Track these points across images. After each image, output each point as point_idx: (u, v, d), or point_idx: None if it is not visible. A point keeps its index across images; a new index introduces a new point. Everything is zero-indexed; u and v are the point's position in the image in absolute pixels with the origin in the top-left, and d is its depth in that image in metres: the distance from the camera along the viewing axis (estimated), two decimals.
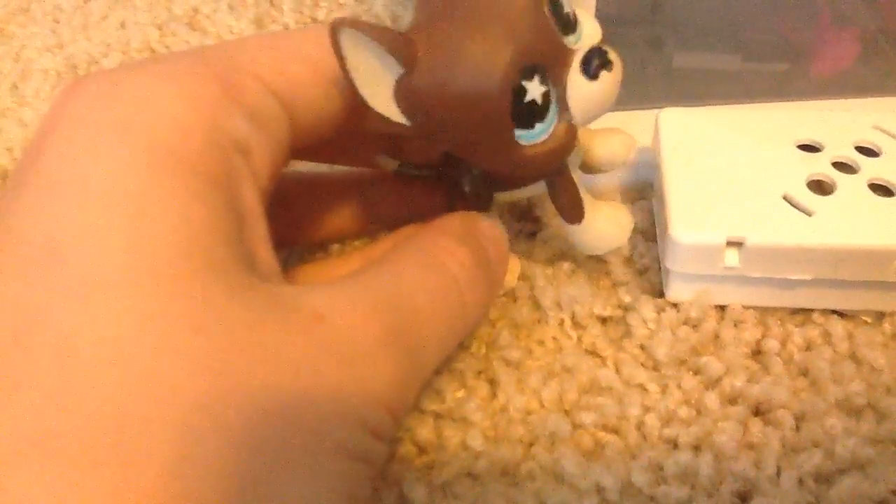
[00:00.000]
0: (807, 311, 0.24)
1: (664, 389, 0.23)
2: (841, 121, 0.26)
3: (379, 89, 0.18)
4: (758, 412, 0.22)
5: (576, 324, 0.25)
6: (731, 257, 0.23)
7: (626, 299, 0.25)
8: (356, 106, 0.19)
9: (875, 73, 0.31)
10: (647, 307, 0.24)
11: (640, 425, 0.22)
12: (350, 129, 0.22)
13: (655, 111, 0.27)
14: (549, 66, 0.18)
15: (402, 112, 0.18)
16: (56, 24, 0.39)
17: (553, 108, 0.19)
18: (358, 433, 0.16)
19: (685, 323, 0.24)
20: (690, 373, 0.23)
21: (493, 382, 0.23)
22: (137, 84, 0.17)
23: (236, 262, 0.16)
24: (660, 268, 0.25)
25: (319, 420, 0.15)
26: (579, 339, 0.24)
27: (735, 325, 0.24)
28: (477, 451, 0.21)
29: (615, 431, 0.22)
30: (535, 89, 0.18)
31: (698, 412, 0.22)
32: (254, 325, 0.15)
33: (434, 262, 0.19)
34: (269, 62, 0.18)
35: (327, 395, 0.15)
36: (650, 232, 0.27)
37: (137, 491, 0.13)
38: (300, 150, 0.24)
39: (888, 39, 0.32)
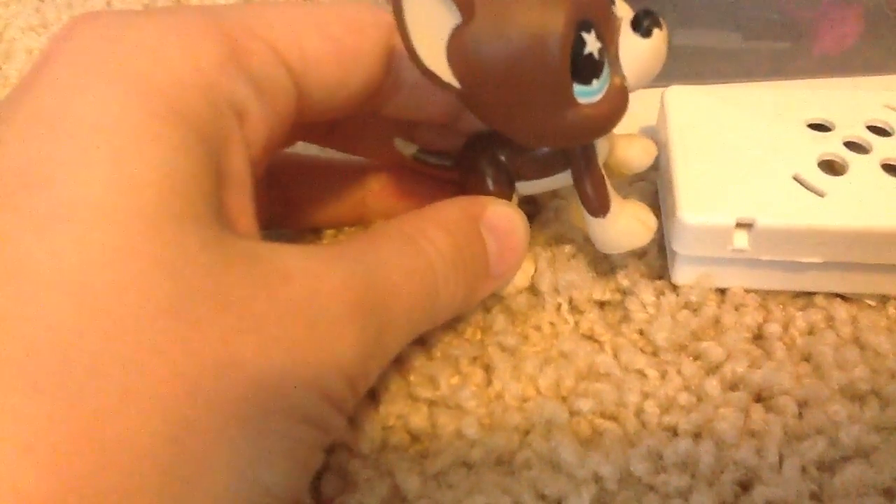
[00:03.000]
0: (809, 295, 0.24)
1: (663, 375, 0.22)
2: (852, 100, 0.25)
3: (433, 45, 0.17)
4: (759, 398, 0.22)
5: (573, 308, 0.24)
6: (741, 239, 0.22)
7: (625, 283, 0.24)
8: (375, 90, 0.18)
9: (879, 51, 0.31)
10: (647, 291, 0.24)
11: (638, 412, 0.21)
12: (367, 114, 0.21)
13: (657, 90, 0.26)
14: (600, 25, 0.18)
15: (453, 73, 0.18)
16: (40, 3, 0.38)
17: (607, 67, 0.18)
18: (314, 398, 0.16)
19: (685, 307, 0.24)
20: (690, 358, 0.22)
21: (488, 369, 0.23)
22: (143, 31, 0.16)
23: (213, 217, 0.16)
24: (659, 251, 0.25)
25: (275, 379, 0.15)
26: (577, 324, 0.24)
27: (736, 309, 0.23)
28: (472, 439, 0.21)
29: (613, 419, 0.21)
30: (592, 43, 0.18)
31: (698, 399, 0.21)
32: (221, 275, 0.15)
33: (412, 245, 0.19)
34: (287, 33, 0.18)
35: (286, 355, 0.15)
36: None
37: (74, 425, 0.13)
38: (311, 131, 0.23)
39: (892, 17, 0.31)
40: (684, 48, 0.31)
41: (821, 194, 0.22)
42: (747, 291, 0.24)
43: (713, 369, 0.22)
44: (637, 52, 0.18)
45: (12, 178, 0.14)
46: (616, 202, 0.22)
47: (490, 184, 0.22)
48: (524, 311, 0.24)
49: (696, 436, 0.21)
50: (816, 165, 0.23)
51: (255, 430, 0.15)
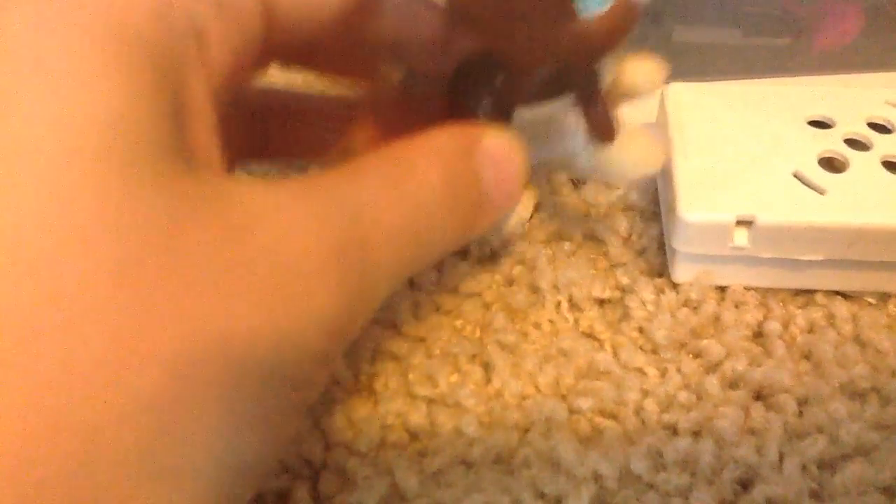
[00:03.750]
0: (809, 293, 0.24)
1: (663, 373, 0.22)
2: (852, 96, 0.25)
3: None
4: (759, 396, 0.22)
5: (573, 306, 0.24)
6: (741, 237, 0.22)
7: (625, 281, 0.24)
8: (354, 6, 0.17)
9: (879, 47, 0.31)
10: (646, 289, 0.24)
11: (638, 410, 0.21)
12: (350, 33, 0.19)
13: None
14: None
15: None
16: None
17: None
18: (291, 358, 0.14)
19: (685, 305, 0.23)
20: (690, 356, 0.22)
21: (487, 367, 0.22)
22: None
23: (170, 156, 0.14)
24: (659, 248, 0.25)
25: (245, 341, 0.14)
26: (576, 321, 0.24)
27: (736, 307, 0.23)
28: (471, 437, 0.21)
29: (613, 417, 0.21)
30: None
31: (698, 397, 0.21)
32: (178, 226, 0.13)
33: (398, 178, 0.17)
34: None
35: (256, 313, 0.14)
36: (648, 210, 0.26)
37: (9, 399, 0.12)
38: (288, 52, 0.21)
39: (893, 13, 0.31)
40: (684, 45, 0.31)
41: (821, 192, 0.22)
42: (747, 289, 0.24)
43: (713, 367, 0.22)
44: None
45: None
46: (621, 129, 0.21)
47: (484, 110, 0.20)
48: (524, 308, 0.24)
49: (696, 434, 0.21)
50: (817, 162, 0.23)
51: (225, 398, 0.13)
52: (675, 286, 0.24)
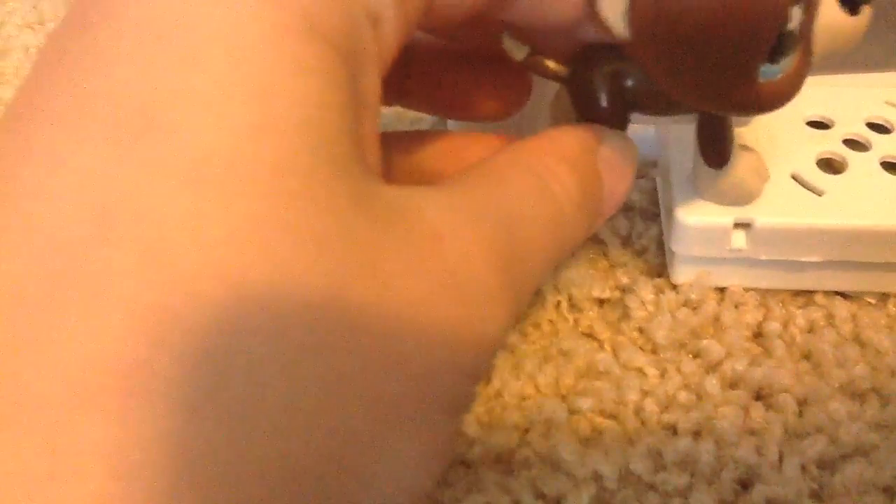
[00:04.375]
0: (809, 293, 0.24)
1: (663, 373, 0.22)
2: (851, 97, 0.25)
3: None
4: (759, 397, 0.22)
5: (573, 306, 0.24)
6: (739, 239, 0.22)
7: (625, 281, 0.24)
8: None
9: (879, 47, 0.30)
10: (646, 289, 0.24)
11: (638, 411, 0.21)
12: (485, 12, 0.18)
13: None
14: None
15: (629, 24, 0.15)
16: (38, 0, 0.38)
17: (798, 44, 0.16)
18: (465, 384, 0.14)
19: (685, 305, 0.23)
20: (690, 356, 0.22)
21: None
22: None
23: (358, 161, 0.13)
24: (659, 248, 0.25)
25: (430, 368, 0.13)
26: (576, 321, 0.24)
27: (736, 307, 0.23)
28: (470, 437, 0.21)
29: (613, 417, 0.21)
30: (796, 17, 0.15)
31: (698, 397, 0.21)
32: (375, 243, 0.13)
33: (543, 187, 0.17)
34: None
35: (441, 338, 0.13)
36: (649, 211, 0.26)
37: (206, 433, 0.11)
38: (429, 28, 0.19)
39: (892, 13, 0.31)
40: None
41: (819, 193, 0.22)
42: (747, 289, 0.24)
43: (713, 367, 0.22)
44: (838, 28, 0.16)
45: (129, 118, 0.12)
46: (734, 152, 0.20)
47: (605, 106, 0.19)
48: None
49: (696, 434, 0.21)
50: (815, 164, 0.23)
51: (413, 430, 0.13)
52: (674, 286, 0.24)
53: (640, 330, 0.23)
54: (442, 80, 0.22)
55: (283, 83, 0.12)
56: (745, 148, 0.21)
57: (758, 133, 0.24)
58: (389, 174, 0.15)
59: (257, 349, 0.11)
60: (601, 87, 0.19)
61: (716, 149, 0.20)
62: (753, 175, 0.21)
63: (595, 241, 0.25)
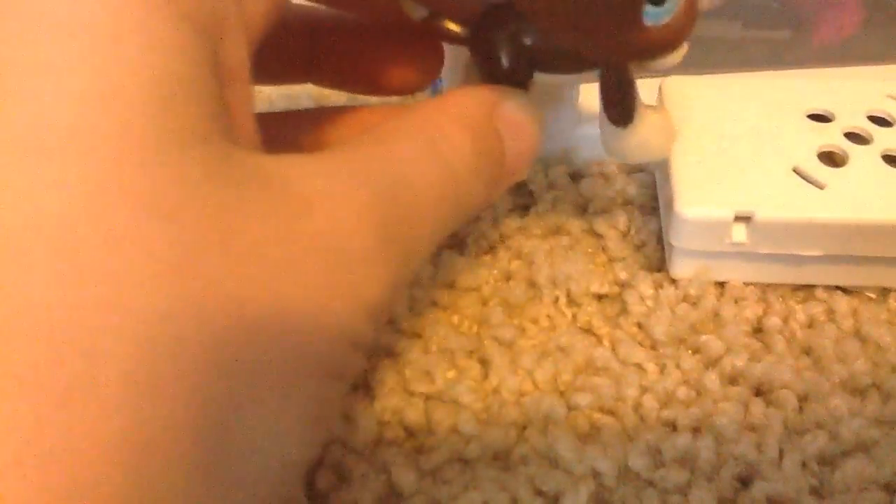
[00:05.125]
0: (809, 288, 0.24)
1: (662, 369, 0.22)
2: (852, 89, 0.25)
3: None
4: (759, 392, 0.21)
5: (571, 301, 0.24)
6: (739, 233, 0.22)
7: (623, 276, 0.24)
8: None
9: (879, 40, 0.30)
10: (645, 284, 0.24)
11: (637, 407, 0.21)
12: None
13: (654, 80, 0.26)
14: None
15: None
16: None
17: None
18: (339, 349, 0.14)
19: (684, 300, 0.23)
20: (689, 352, 0.22)
21: (484, 363, 0.22)
22: None
23: (216, 130, 0.13)
24: (657, 243, 0.25)
25: (300, 335, 0.13)
26: (574, 317, 0.23)
27: (736, 302, 0.23)
28: (468, 434, 0.20)
29: (612, 413, 0.21)
30: None
31: (698, 393, 0.21)
32: (232, 210, 0.12)
33: (433, 150, 0.16)
34: None
35: (311, 305, 0.13)
36: (647, 205, 0.26)
37: (84, 427, 0.11)
38: None
39: (893, 5, 0.31)
40: None
41: (821, 186, 0.22)
42: (747, 284, 0.23)
43: (712, 363, 0.22)
44: None
45: None
46: (639, 109, 0.20)
47: (506, 67, 0.19)
48: (521, 303, 0.24)
49: (696, 430, 0.20)
50: (816, 157, 0.23)
51: (279, 400, 0.13)
52: (674, 281, 0.24)
53: (639, 325, 0.23)
54: (349, 54, 0.22)
55: (124, 51, 0.12)
56: (652, 108, 0.20)
57: (758, 125, 0.24)
58: (281, 149, 0.15)
59: (93, 321, 0.11)
60: (502, 48, 0.19)
61: (619, 106, 0.20)
62: (658, 133, 0.21)
63: (593, 235, 0.25)
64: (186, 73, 0.12)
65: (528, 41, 0.19)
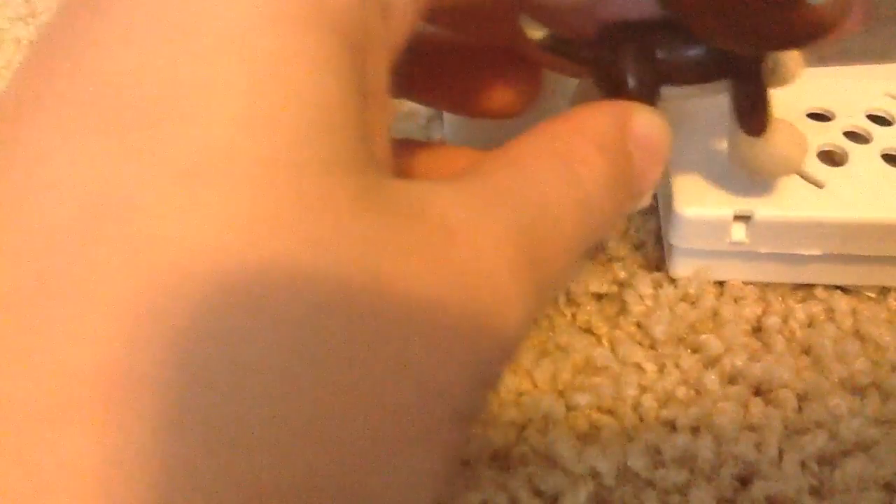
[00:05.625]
0: (809, 287, 0.24)
1: (662, 369, 0.22)
2: (852, 88, 0.25)
3: None
4: (759, 392, 0.21)
5: (570, 301, 0.24)
6: (739, 232, 0.22)
7: (622, 275, 0.24)
8: None
9: (879, 39, 0.30)
10: (644, 283, 0.23)
11: (636, 406, 0.21)
12: None
13: None
14: None
15: None
16: None
17: None
18: (475, 389, 0.13)
19: (683, 299, 0.23)
20: (689, 351, 0.22)
21: None
22: None
23: (362, 155, 0.12)
24: (657, 242, 0.25)
25: (439, 375, 0.12)
26: (573, 316, 0.23)
27: (735, 302, 0.23)
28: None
29: (611, 413, 0.21)
30: None
31: (697, 392, 0.21)
32: (380, 243, 0.12)
33: (568, 172, 0.15)
34: None
35: (451, 343, 0.12)
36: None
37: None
38: (437, 12, 0.18)
39: (893, 5, 0.31)
40: None
41: (820, 185, 0.22)
42: (746, 283, 0.23)
43: (712, 362, 0.22)
44: None
45: (125, 107, 0.11)
46: (770, 122, 0.19)
47: (633, 83, 0.18)
48: None
49: (695, 430, 0.20)
50: (816, 156, 0.23)
51: (420, 442, 0.12)
52: (673, 280, 0.24)
53: (639, 325, 0.23)
54: (448, 72, 0.21)
55: (283, 74, 0.11)
56: (780, 119, 0.20)
57: None
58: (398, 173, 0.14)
59: (246, 356, 0.10)
60: (628, 65, 0.18)
61: (754, 114, 0.19)
62: (793, 143, 0.20)
63: None
64: (339, 94, 0.12)
65: (657, 54, 0.18)
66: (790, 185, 0.22)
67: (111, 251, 0.10)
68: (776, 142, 0.20)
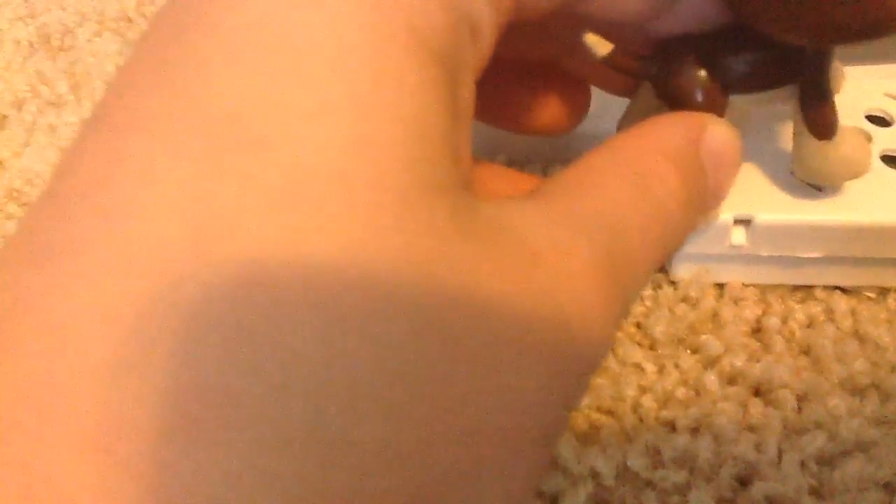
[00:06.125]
0: (808, 288, 0.24)
1: (661, 369, 0.22)
2: (851, 89, 0.25)
3: None
4: (758, 392, 0.21)
5: None
6: (739, 236, 0.22)
7: None
8: None
9: (879, 40, 0.30)
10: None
11: (636, 407, 0.21)
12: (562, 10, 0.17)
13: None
14: None
15: None
16: None
17: None
18: (560, 412, 0.13)
19: (683, 300, 0.23)
20: (689, 352, 0.22)
21: None
22: None
23: (455, 176, 0.13)
24: None
25: (526, 398, 0.12)
26: None
27: (735, 303, 0.23)
28: None
29: (610, 413, 0.21)
30: None
31: (697, 393, 0.21)
32: (475, 265, 0.12)
33: (645, 188, 0.16)
34: None
35: (539, 366, 0.12)
36: None
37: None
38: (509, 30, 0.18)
39: None
40: None
41: (819, 188, 0.22)
42: (746, 285, 0.23)
43: (711, 363, 0.22)
44: None
45: (230, 129, 0.11)
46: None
47: (700, 95, 0.18)
48: None
49: (695, 431, 0.20)
50: None
51: (506, 464, 0.12)
52: (672, 282, 0.24)
53: (638, 325, 0.23)
54: (498, 89, 0.21)
55: (384, 96, 0.12)
56: (845, 125, 0.20)
57: (757, 128, 0.24)
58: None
59: (353, 378, 0.11)
60: (695, 77, 0.18)
61: (821, 116, 0.19)
62: (860, 148, 0.20)
63: None
64: (436, 117, 0.12)
65: (721, 63, 0.18)
66: (789, 189, 0.22)
67: (218, 277, 0.11)
68: (843, 145, 0.19)
